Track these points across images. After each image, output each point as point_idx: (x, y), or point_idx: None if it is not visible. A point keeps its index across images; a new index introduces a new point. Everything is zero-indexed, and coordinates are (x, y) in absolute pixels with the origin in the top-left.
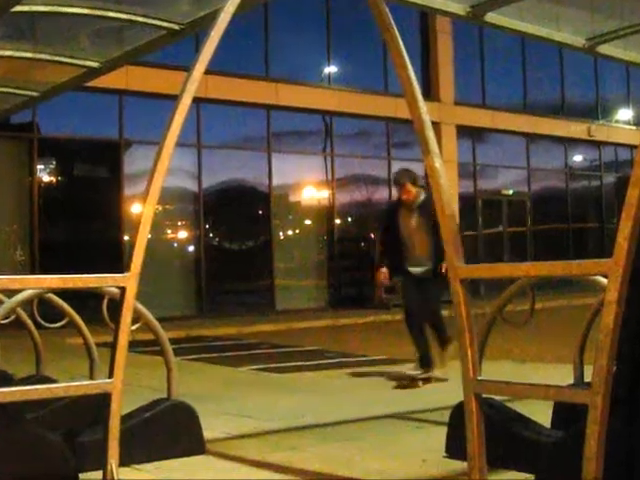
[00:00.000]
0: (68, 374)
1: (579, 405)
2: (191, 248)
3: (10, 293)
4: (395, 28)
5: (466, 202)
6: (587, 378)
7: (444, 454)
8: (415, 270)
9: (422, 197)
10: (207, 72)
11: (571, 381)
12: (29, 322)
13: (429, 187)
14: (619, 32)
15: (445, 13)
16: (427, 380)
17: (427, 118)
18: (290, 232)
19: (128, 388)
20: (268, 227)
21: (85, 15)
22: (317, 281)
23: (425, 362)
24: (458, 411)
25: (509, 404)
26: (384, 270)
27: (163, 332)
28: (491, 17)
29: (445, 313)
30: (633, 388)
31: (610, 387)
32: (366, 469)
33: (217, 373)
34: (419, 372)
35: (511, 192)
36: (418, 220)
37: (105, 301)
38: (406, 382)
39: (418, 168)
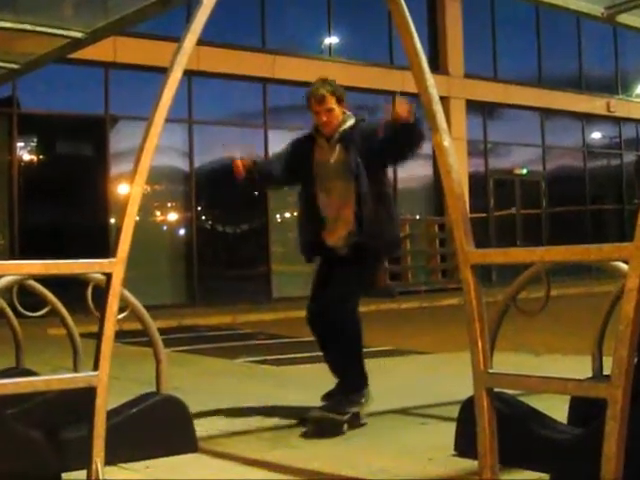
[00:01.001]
0: (50, 366)
1: (598, 400)
2: (182, 231)
3: None
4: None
5: (476, 182)
6: (607, 370)
7: (452, 452)
8: (329, 241)
9: (349, 123)
10: (199, 43)
11: (589, 374)
12: (8, 311)
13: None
14: None
15: None
16: (355, 420)
17: (434, 92)
18: (288, 215)
19: (114, 382)
20: (264, 209)
21: None
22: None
23: (352, 384)
24: (468, 406)
25: (522, 399)
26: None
27: (152, 321)
28: None
29: (453, 301)
30: None
31: (631, 380)
32: (369, 468)
33: (210, 365)
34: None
35: (525, 171)
36: (340, 159)
37: (90, 288)
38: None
39: (426, 146)
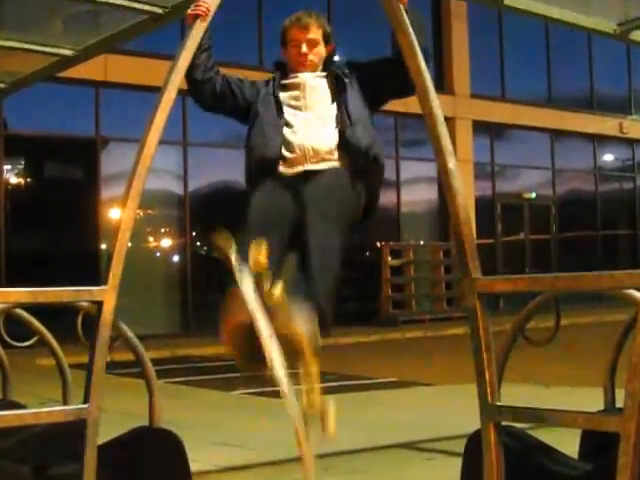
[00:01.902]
0: (38, 399)
1: (610, 434)
2: (176, 258)
3: None
4: (404, 14)
5: (483, 206)
6: (619, 403)
7: None
8: (300, 161)
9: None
10: None
11: (601, 406)
12: None
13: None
14: None
15: None
16: None
17: (440, 113)
18: None
19: (105, 415)
20: None
21: None
22: None
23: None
24: (474, 440)
25: (531, 432)
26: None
27: (144, 352)
28: (511, 0)
29: (459, 331)
30: None
31: None
32: None
33: (205, 398)
34: None
35: (533, 195)
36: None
37: (80, 317)
38: None
39: (430, 169)
